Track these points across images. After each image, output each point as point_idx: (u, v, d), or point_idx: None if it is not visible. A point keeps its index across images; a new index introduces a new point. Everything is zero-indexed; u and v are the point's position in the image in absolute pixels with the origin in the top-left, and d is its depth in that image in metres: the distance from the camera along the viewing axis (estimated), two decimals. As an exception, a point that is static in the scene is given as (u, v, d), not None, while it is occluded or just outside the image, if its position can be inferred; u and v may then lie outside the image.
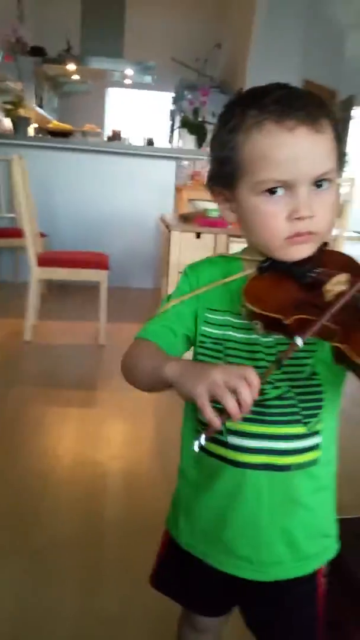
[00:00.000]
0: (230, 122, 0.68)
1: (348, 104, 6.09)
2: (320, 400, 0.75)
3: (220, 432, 0.62)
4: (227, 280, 0.77)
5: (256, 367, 0.68)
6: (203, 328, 0.79)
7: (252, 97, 0.67)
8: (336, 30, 6.08)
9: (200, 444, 0.58)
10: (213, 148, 0.73)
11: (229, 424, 0.72)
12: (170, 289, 2.93)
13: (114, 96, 8.26)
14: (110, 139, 5.08)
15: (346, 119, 5.99)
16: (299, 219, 0.66)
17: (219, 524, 0.80)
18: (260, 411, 0.73)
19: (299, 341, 0.58)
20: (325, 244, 0.73)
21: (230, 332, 0.76)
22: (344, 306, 0.59)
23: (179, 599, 0.93)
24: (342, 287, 0.62)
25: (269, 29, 5.85)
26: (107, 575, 1.50)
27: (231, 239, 2.74)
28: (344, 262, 0.69)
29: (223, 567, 0.81)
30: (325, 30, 5.98)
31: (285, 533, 0.77)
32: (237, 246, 3.10)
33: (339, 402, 0.80)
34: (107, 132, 5.85)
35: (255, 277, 0.72)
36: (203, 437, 0.59)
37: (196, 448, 0.58)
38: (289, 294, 0.66)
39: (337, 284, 0.63)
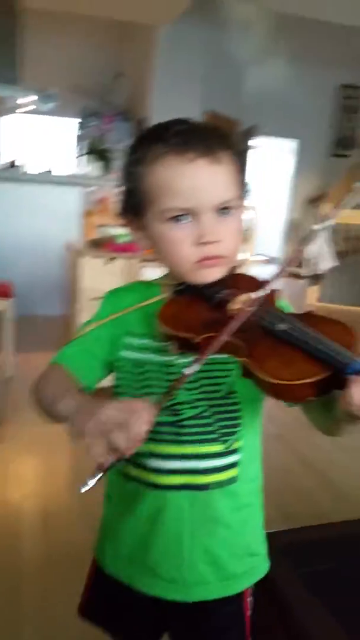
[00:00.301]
0: (135, 155, 0.73)
1: (250, 134, 6.38)
2: (237, 418, 0.76)
3: (105, 471, 0.58)
4: (144, 304, 0.79)
5: None
6: (123, 352, 0.80)
7: (155, 132, 0.73)
8: (235, 64, 6.39)
9: (86, 487, 0.57)
10: (122, 179, 0.78)
11: (149, 446, 0.75)
12: (82, 316, 2.87)
13: (9, 124, 8.05)
14: (6, 167, 4.94)
15: (245, 149, 6.28)
16: (204, 243, 0.71)
17: (142, 547, 0.81)
18: (177, 432, 0.75)
19: (188, 371, 0.60)
20: (235, 267, 0.78)
21: (150, 355, 0.78)
22: (249, 323, 0.63)
23: (109, 627, 0.90)
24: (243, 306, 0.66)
25: (169, 60, 6.02)
26: (28, 615, 1.43)
27: (143, 263, 2.73)
28: (250, 283, 0.73)
29: (149, 589, 0.81)
30: (225, 63, 6.26)
31: (208, 553, 0.78)
32: (150, 271, 3.10)
33: (259, 419, 0.81)
34: (2, 161, 5.70)
35: (170, 300, 0.76)
36: (90, 481, 0.58)
37: (82, 490, 0.57)
38: (199, 315, 0.69)
39: (239, 303, 0.67)
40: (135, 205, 0.75)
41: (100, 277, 2.58)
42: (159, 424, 0.73)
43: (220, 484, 0.77)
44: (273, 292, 0.72)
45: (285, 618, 0.97)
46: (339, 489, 2.05)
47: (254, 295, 0.67)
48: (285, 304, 0.78)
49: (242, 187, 0.77)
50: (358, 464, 2.25)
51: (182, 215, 0.71)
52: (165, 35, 5.89)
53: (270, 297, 0.71)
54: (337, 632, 0.91)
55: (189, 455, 0.76)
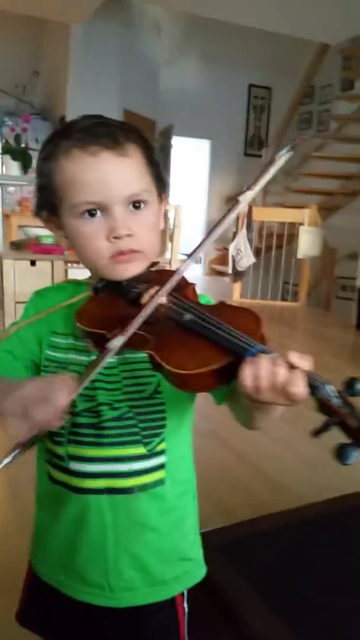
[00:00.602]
0: (45, 151, 0.73)
1: (167, 133, 6.47)
2: (162, 419, 0.74)
3: (23, 448, 0.61)
4: (68, 302, 0.78)
5: (96, 388, 0.73)
6: (47, 352, 0.78)
7: (63, 128, 0.72)
8: (151, 64, 6.45)
9: (0, 465, 0.60)
10: (36, 177, 0.76)
11: (69, 449, 0.74)
12: (7, 320, 2.77)
13: None
14: None
15: (167, 147, 6.36)
16: (117, 237, 0.69)
17: (70, 552, 0.78)
18: (97, 434, 0.73)
19: (111, 344, 0.61)
20: (155, 263, 0.77)
21: (73, 355, 0.75)
22: (159, 316, 0.64)
23: (45, 635, 0.88)
24: (160, 300, 0.66)
25: (85, 59, 5.99)
26: None
27: (69, 264, 2.73)
28: (169, 277, 0.71)
29: (78, 595, 0.79)
30: (140, 63, 6.30)
31: (134, 558, 0.76)
32: (76, 272, 3.08)
33: (188, 420, 0.80)
34: None
35: (90, 298, 0.74)
36: (6, 459, 0.60)
37: None
38: (115, 311, 0.68)
39: (150, 296, 0.66)
40: (50, 203, 0.74)
41: (25, 279, 2.54)
42: (79, 425, 0.74)
43: (144, 487, 0.74)
44: (188, 285, 0.72)
45: (228, 617, 0.95)
46: (274, 480, 2.10)
47: (164, 287, 0.66)
48: (208, 299, 0.77)
49: (157, 182, 0.75)
50: (291, 455, 2.33)
51: (92, 209, 0.69)
52: (79, 33, 5.85)
53: (187, 291, 0.71)
54: (280, 626, 0.90)
55: (110, 458, 0.73)
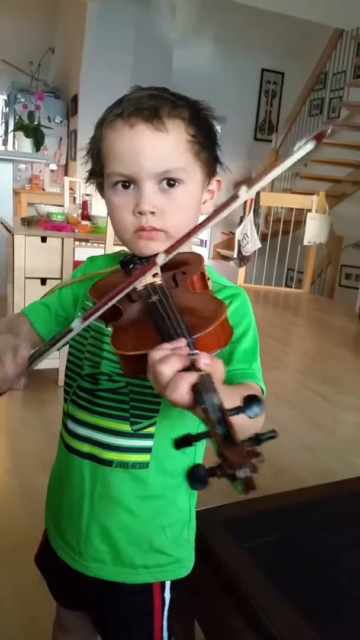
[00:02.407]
0: (100, 119, 0.72)
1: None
2: (155, 403, 0.72)
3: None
4: (104, 271, 0.78)
5: (102, 357, 0.75)
6: (78, 313, 0.80)
7: (120, 98, 0.71)
8: (164, 45, 6.42)
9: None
10: (88, 142, 0.76)
11: (69, 407, 0.77)
12: (17, 296, 2.83)
13: None
14: None
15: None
16: (141, 213, 0.68)
17: (57, 507, 0.82)
18: (92, 400, 0.74)
19: (73, 324, 0.60)
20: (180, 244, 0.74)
21: (96, 322, 0.75)
22: (140, 293, 0.63)
23: (48, 581, 0.92)
24: (152, 280, 0.64)
25: (100, 38, 5.97)
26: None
27: (77, 242, 2.78)
28: (183, 260, 0.70)
29: (58, 551, 0.80)
30: (153, 43, 6.27)
31: (105, 531, 0.75)
32: (85, 250, 3.11)
33: (191, 419, 0.76)
34: None
35: (115, 270, 0.75)
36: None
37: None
38: (115, 284, 0.66)
39: (148, 275, 0.64)
40: (96, 170, 0.74)
41: (36, 255, 2.58)
42: (80, 388, 0.76)
43: (124, 465, 0.73)
44: (192, 268, 0.69)
45: (231, 591, 0.94)
46: (274, 464, 2.12)
47: (154, 268, 0.63)
48: (211, 271, 0.75)
49: (206, 163, 0.72)
50: (292, 441, 2.36)
51: (124, 181, 0.69)
52: (95, 11, 5.81)
53: (190, 274, 0.67)
54: (282, 600, 0.90)
55: (98, 426, 0.73)
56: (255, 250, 5.52)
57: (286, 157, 0.55)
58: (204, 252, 7.62)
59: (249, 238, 5.44)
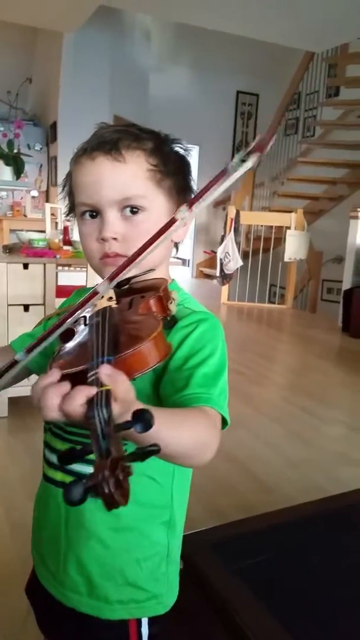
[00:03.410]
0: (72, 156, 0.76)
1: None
2: None
3: None
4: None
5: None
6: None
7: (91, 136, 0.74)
8: (141, 72, 6.56)
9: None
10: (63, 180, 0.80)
11: (46, 435, 0.77)
12: (1, 322, 2.79)
13: None
14: None
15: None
16: (104, 239, 0.71)
17: (38, 533, 0.81)
18: (64, 427, 0.74)
19: (18, 355, 0.61)
20: (150, 271, 0.72)
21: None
22: (88, 324, 0.62)
23: (35, 610, 0.89)
24: (105, 304, 0.63)
25: (77, 66, 6.07)
26: None
27: (60, 267, 2.80)
28: (148, 285, 0.70)
29: (41, 577, 0.80)
30: (130, 70, 6.40)
31: (79, 562, 0.74)
32: (67, 275, 3.10)
33: None
34: None
35: None
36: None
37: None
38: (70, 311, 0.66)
39: (102, 300, 0.64)
40: (71, 204, 0.77)
41: (18, 282, 2.60)
42: None
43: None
44: (151, 291, 0.68)
45: (221, 613, 0.94)
46: (262, 480, 2.13)
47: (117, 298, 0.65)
48: (186, 297, 0.75)
49: (172, 190, 0.74)
50: (279, 457, 2.36)
51: (89, 211, 0.72)
52: (71, 41, 5.93)
53: (148, 297, 0.66)
54: (272, 622, 0.90)
55: None
56: (237, 268, 5.60)
57: (226, 174, 0.57)
58: (186, 271, 7.69)
59: (231, 256, 5.52)
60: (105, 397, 0.45)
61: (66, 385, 0.49)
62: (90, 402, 0.46)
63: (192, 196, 0.77)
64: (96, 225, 0.72)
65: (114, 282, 0.61)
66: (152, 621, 0.77)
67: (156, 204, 0.72)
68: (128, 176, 0.70)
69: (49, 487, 0.77)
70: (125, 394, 0.48)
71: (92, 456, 0.62)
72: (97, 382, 0.47)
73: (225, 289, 5.75)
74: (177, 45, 7.02)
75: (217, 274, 5.66)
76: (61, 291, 2.68)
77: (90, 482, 0.39)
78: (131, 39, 6.53)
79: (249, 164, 0.55)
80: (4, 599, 1.43)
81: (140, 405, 0.50)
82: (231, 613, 0.93)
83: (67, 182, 0.77)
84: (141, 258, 0.60)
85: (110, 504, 0.39)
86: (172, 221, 0.56)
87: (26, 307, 2.59)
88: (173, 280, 0.79)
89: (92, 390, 0.46)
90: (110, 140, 0.70)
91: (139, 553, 0.74)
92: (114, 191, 0.70)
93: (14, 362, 0.60)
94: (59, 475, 0.75)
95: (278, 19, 5.17)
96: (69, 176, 0.76)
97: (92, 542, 0.73)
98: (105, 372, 0.47)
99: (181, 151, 0.78)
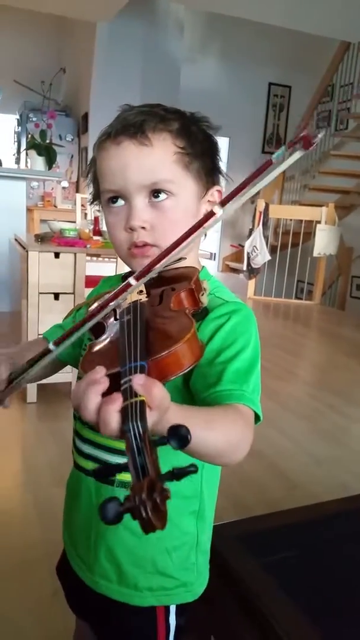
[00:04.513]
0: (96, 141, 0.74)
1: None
2: None
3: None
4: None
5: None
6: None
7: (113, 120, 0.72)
8: (172, 62, 6.53)
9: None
10: (88, 166, 0.77)
11: (77, 424, 0.76)
12: (31, 311, 2.86)
13: None
14: None
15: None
16: (132, 229, 0.68)
17: (70, 520, 0.81)
18: None
19: (51, 345, 0.58)
20: (181, 259, 0.69)
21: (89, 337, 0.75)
22: (119, 319, 0.60)
23: (65, 590, 0.90)
24: (135, 297, 0.62)
25: (109, 57, 6.08)
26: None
27: (88, 258, 2.82)
28: (178, 274, 0.68)
29: (72, 561, 0.80)
30: (161, 61, 6.38)
31: (110, 551, 0.74)
32: (95, 265, 3.13)
33: None
34: None
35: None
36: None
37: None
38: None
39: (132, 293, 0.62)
40: (96, 192, 0.75)
41: (49, 271, 2.63)
42: None
43: (125, 485, 0.70)
44: (184, 284, 0.65)
45: (247, 606, 0.93)
46: (287, 477, 2.11)
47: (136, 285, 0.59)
48: (217, 285, 0.74)
49: (201, 174, 0.71)
50: (304, 454, 2.35)
51: (115, 197, 0.69)
52: (104, 31, 5.94)
53: (180, 291, 0.64)
54: (302, 619, 0.90)
55: (101, 445, 0.72)
56: (264, 263, 5.55)
57: (267, 170, 0.52)
58: (213, 265, 7.66)
59: (259, 250, 5.47)
60: (139, 410, 0.43)
61: (105, 385, 0.47)
62: (125, 413, 0.44)
63: (220, 178, 0.75)
64: (123, 213, 0.69)
65: (147, 277, 0.57)
66: (179, 611, 0.77)
67: (184, 188, 0.70)
68: (155, 160, 0.67)
69: (79, 475, 0.77)
70: (160, 402, 0.45)
71: (118, 444, 0.60)
72: (131, 391, 0.44)
73: (251, 283, 5.71)
74: (209, 36, 6.97)
75: (244, 268, 5.62)
76: (89, 281, 2.70)
77: (127, 504, 0.38)
78: (164, 29, 6.50)
79: (297, 155, 0.52)
80: (30, 579, 1.47)
81: (176, 411, 0.48)
82: (258, 605, 0.93)
83: (91, 168, 0.75)
84: (176, 252, 0.56)
85: (148, 528, 0.38)
86: (210, 214, 0.53)
87: (56, 296, 2.62)
88: (203, 267, 0.77)
89: (119, 402, 0.45)
90: (135, 123, 0.67)
91: (168, 542, 0.74)
92: (141, 175, 0.67)
93: (47, 351, 0.59)
94: (89, 465, 0.74)
95: (315, 8, 5.08)
96: (94, 162, 0.73)
97: (123, 531, 0.72)
98: (139, 382, 0.45)
99: (208, 130, 0.75)
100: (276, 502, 1.91)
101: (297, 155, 0.52)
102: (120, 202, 0.69)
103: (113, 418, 0.44)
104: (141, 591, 0.74)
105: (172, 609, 0.76)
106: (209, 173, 0.73)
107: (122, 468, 0.42)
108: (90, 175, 0.76)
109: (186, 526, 0.76)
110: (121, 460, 0.68)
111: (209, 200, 0.74)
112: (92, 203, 0.80)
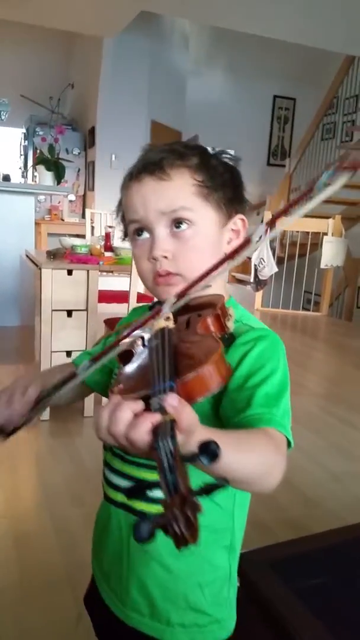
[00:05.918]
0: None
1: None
2: None
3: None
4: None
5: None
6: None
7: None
8: (178, 76, 6.59)
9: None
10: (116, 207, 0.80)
11: (107, 455, 0.76)
12: (44, 327, 2.85)
13: None
14: None
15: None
16: (154, 258, 0.70)
17: (101, 551, 0.81)
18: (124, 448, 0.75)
19: (78, 369, 0.63)
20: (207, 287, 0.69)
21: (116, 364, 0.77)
22: (147, 346, 0.61)
23: (94, 623, 0.89)
24: (165, 324, 0.62)
25: (116, 72, 6.14)
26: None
27: (102, 273, 2.83)
28: (204, 302, 0.68)
29: (103, 594, 0.79)
30: (167, 74, 6.44)
31: (141, 584, 0.73)
32: (107, 280, 3.12)
33: None
34: None
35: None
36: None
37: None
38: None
39: (160, 320, 0.62)
40: (125, 230, 0.78)
41: (62, 288, 2.63)
42: None
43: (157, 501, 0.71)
44: (208, 309, 0.66)
45: (280, 632, 0.94)
46: (305, 495, 2.08)
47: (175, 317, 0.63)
48: (243, 313, 0.75)
49: (221, 203, 0.73)
50: (320, 470, 2.33)
51: (140, 230, 0.72)
52: (110, 46, 6.00)
53: (205, 316, 0.64)
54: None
55: (131, 476, 0.71)
56: (272, 274, 5.56)
57: (310, 195, 0.53)
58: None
59: (266, 262, 5.47)
60: (170, 429, 0.44)
61: (130, 412, 0.47)
62: (155, 432, 0.44)
63: (244, 207, 0.77)
64: (147, 245, 0.71)
65: (178, 304, 0.59)
66: None
67: (204, 217, 0.71)
68: (174, 190, 0.70)
69: (109, 507, 0.76)
70: (189, 424, 0.46)
71: (154, 478, 0.59)
72: (161, 410, 0.45)
73: (259, 295, 5.71)
74: (214, 50, 7.03)
75: (251, 279, 5.62)
76: (103, 296, 2.70)
77: (159, 520, 0.39)
78: (169, 44, 6.56)
79: (339, 183, 0.52)
80: (55, 599, 1.46)
81: (204, 433, 0.48)
82: (292, 634, 0.92)
83: (119, 208, 0.77)
84: (207, 280, 0.57)
85: (181, 543, 0.39)
86: (246, 242, 0.54)
87: (69, 313, 2.62)
88: (230, 297, 0.78)
89: (157, 417, 0.45)
90: (154, 162, 0.70)
91: (201, 577, 0.73)
92: (160, 203, 0.69)
93: (73, 375, 0.61)
94: (119, 497, 0.74)
95: (319, 23, 5.12)
96: (121, 203, 0.76)
97: (154, 565, 0.72)
98: (171, 402, 0.45)
99: (230, 162, 0.77)
100: (297, 521, 1.89)
101: (340, 181, 0.52)
102: (145, 234, 0.72)
103: (145, 436, 0.45)
104: (173, 627, 0.73)
105: None
106: (229, 203, 0.74)
107: (154, 485, 0.43)
108: (120, 215, 0.78)
109: (218, 560, 0.75)
110: (150, 492, 0.67)
111: (232, 229, 0.76)
112: (123, 240, 0.82)
